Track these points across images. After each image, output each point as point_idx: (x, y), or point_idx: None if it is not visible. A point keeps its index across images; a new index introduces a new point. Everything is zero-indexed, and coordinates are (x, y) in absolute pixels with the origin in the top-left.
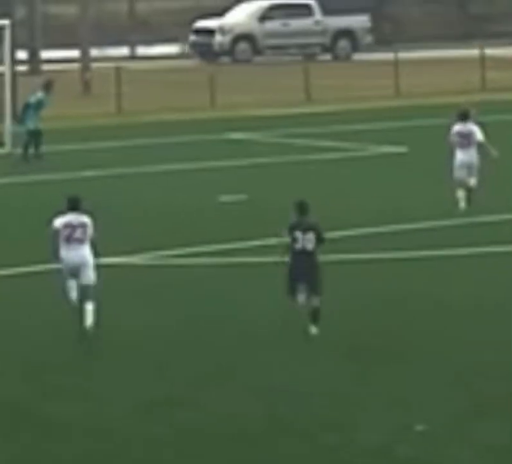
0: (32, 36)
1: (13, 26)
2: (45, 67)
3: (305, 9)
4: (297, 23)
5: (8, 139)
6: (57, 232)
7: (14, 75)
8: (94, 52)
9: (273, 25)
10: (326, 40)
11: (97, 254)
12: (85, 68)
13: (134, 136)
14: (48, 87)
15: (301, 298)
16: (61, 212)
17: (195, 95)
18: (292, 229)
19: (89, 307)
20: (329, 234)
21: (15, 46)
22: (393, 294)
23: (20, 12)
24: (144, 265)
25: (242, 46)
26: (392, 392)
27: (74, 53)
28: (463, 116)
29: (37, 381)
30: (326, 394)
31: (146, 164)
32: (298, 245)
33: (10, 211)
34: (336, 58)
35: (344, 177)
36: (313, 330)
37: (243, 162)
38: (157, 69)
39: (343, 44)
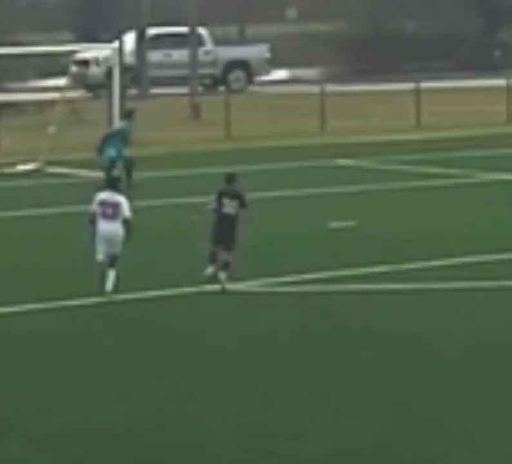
0: (140, 60)
1: (121, 51)
2: (154, 91)
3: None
4: (182, 53)
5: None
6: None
7: (123, 98)
8: None
9: (155, 56)
10: (217, 71)
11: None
12: (194, 93)
13: (243, 162)
14: (129, 115)
15: (211, 269)
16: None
17: (305, 120)
18: (220, 196)
19: (113, 273)
20: (445, 261)
21: (123, 70)
22: None
23: (130, 37)
24: (252, 292)
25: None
26: None
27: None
28: None
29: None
30: None
31: (254, 190)
32: (224, 210)
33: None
34: (229, 90)
35: (453, 204)
36: (222, 275)
37: (351, 189)
38: (266, 95)
39: (236, 75)
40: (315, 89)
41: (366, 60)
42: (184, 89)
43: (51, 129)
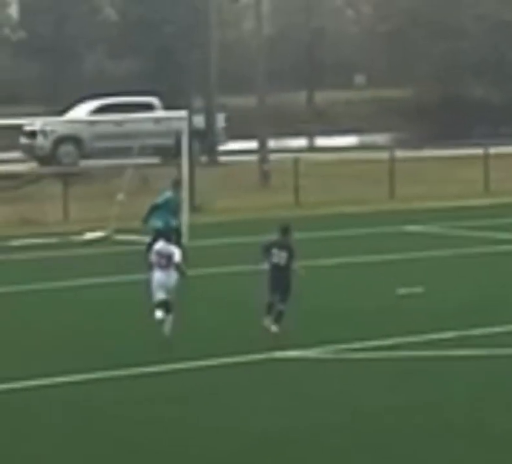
0: (210, 127)
1: (191, 117)
2: (223, 158)
3: (145, 109)
4: (132, 123)
5: (184, 230)
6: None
7: (192, 166)
8: (272, 143)
9: (103, 126)
10: (170, 141)
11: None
12: (263, 159)
13: (312, 228)
14: (176, 185)
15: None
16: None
17: (374, 186)
18: (270, 246)
19: (169, 318)
20: None
21: (192, 138)
22: None
23: (198, 103)
24: (319, 359)
25: (66, 148)
26: None
27: (252, 145)
28: None
29: None
30: None
31: (323, 256)
32: (274, 260)
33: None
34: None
35: None
36: (274, 328)
37: (420, 255)
38: (335, 161)
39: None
40: (384, 155)
41: (435, 125)
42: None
43: (120, 196)
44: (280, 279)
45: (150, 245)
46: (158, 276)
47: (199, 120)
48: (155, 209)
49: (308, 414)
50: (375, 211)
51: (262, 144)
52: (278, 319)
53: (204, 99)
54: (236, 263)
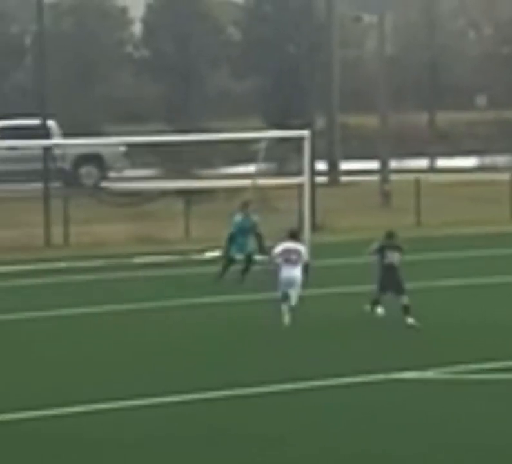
0: (331, 147)
1: (312, 136)
2: (344, 178)
3: (40, 132)
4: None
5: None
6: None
7: (313, 186)
8: (393, 164)
9: None
10: (66, 166)
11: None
12: (384, 180)
13: (433, 249)
14: (243, 207)
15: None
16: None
17: (495, 208)
18: (383, 249)
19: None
20: None
21: (314, 157)
22: None
23: (320, 123)
24: (437, 380)
25: None
26: None
27: (373, 165)
28: None
29: None
30: None
31: (444, 277)
32: (387, 261)
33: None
34: (80, 186)
35: None
36: (410, 320)
37: None
38: (456, 182)
39: (88, 170)
40: (505, 176)
41: None
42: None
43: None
44: (394, 277)
45: (225, 269)
46: (286, 272)
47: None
48: (232, 239)
49: (427, 435)
50: (496, 233)
51: (384, 164)
52: (408, 311)
53: (326, 118)
54: (356, 283)
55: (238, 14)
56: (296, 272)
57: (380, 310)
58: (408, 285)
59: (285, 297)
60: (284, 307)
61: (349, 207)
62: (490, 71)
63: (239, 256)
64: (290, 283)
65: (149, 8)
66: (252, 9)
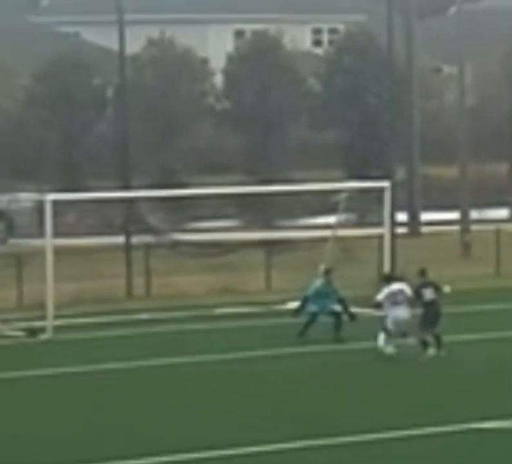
0: (411, 197)
1: (393, 187)
2: (424, 229)
3: None
4: None
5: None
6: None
7: (394, 236)
8: (473, 214)
9: None
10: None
11: None
12: (464, 230)
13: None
14: (327, 273)
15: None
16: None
17: None
18: (418, 288)
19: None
20: None
21: (394, 208)
22: None
23: (400, 174)
24: None
25: None
26: None
27: (454, 215)
28: None
29: None
30: None
31: None
32: (426, 298)
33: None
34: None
35: None
36: (443, 352)
37: None
38: None
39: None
40: None
41: None
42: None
43: (322, 267)
44: (435, 313)
45: (307, 327)
46: (396, 312)
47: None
48: (306, 301)
49: None
50: None
51: (464, 215)
52: (440, 343)
53: (406, 169)
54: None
55: (318, 65)
56: (405, 312)
57: (431, 350)
58: (487, 335)
59: (399, 335)
60: (398, 342)
61: (429, 257)
62: None
63: (313, 309)
64: (400, 323)
65: (230, 59)
66: (332, 60)
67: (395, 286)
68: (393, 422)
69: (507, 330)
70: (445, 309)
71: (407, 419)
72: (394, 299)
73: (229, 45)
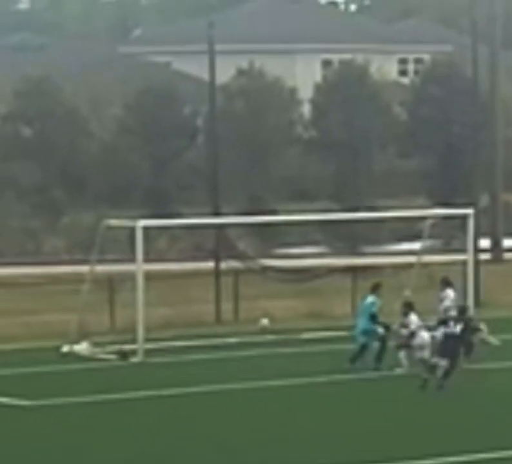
0: (494, 224)
1: (476, 214)
2: (507, 255)
3: None
4: None
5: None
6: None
7: (477, 263)
8: None
9: None
10: None
11: None
12: None
13: None
14: (375, 289)
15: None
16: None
17: None
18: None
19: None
20: None
21: (478, 234)
22: None
23: (484, 201)
24: None
25: None
26: None
27: None
28: None
29: None
30: None
31: None
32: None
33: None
34: None
35: None
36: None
37: None
38: None
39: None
40: None
41: None
42: None
43: (407, 292)
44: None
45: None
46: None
47: None
48: (375, 317)
49: None
50: None
51: None
52: (446, 377)
53: (489, 196)
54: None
55: (404, 95)
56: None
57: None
58: None
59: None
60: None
61: (511, 283)
62: None
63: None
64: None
65: (318, 88)
66: (418, 90)
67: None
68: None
69: None
70: None
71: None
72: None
73: (317, 75)
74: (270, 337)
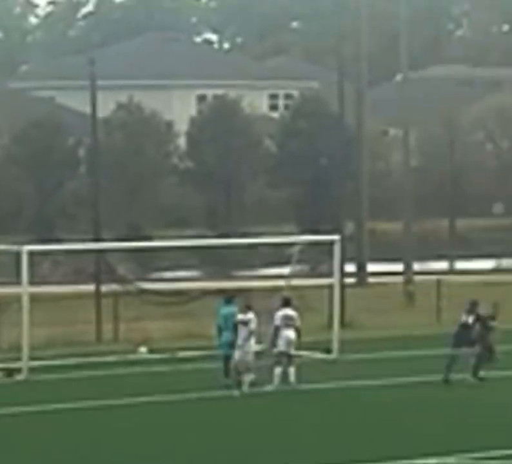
0: (359, 250)
1: (342, 241)
2: (371, 279)
3: None
4: None
5: (335, 346)
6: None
7: (343, 286)
8: (416, 266)
9: None
10: None
11: None
12: (408, 281)
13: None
14: (229, 300)
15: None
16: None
17: (510, 307)
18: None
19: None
20: None
21: (344, 260)
22: None
23: (349, 228)
24: None
25: None
26: None
27: (398, 267)
28: None
29: None
30: None
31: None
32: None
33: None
34: None
35: None
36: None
37: None
38: (475, 283)
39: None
40: None
41: None
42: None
43: (285, 292)
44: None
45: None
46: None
47: None
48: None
49: None
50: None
51: (407, 266)
52: (476, 372)
53: (355, 224)
54: (382, 377)
55: (274, 128)
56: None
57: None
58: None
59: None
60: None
61: (375, 306)
62: (507, 181)
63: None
64: (289, 342)
65: (193, 122)
66: (287, 124)
67: (287, 311)
68: None
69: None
70: (387, 354)
71: None
72: (287, 322)
73: (192, 109)
74: (147, 355)
